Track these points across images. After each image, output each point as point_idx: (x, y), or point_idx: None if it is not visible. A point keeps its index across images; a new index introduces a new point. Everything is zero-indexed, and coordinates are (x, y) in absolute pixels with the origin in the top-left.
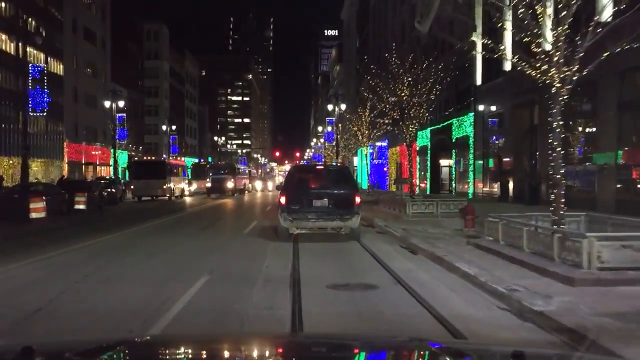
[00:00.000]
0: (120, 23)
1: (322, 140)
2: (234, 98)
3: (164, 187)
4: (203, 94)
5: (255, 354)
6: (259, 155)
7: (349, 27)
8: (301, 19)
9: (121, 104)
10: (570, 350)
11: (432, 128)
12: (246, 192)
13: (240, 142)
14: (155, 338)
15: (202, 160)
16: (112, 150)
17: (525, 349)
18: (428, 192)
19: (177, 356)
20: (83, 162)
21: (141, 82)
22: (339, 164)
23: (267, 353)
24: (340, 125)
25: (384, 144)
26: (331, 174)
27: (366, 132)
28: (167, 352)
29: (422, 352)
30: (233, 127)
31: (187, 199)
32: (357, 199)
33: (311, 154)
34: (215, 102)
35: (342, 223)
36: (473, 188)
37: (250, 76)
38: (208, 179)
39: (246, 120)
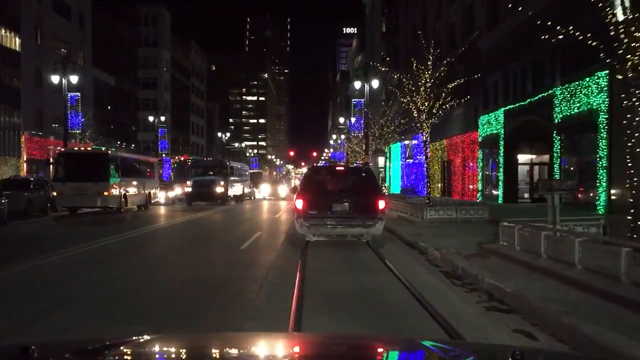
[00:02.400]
0: (109, 2)
1: (342, 136)
2: (249, 98)
3: (106, 193)
4: (215, 93)
5: (254, 353)
6: (273, 157)
7: (372, 10)
8: (319, 19)
9: (74, 79)
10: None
11: (508, 108)
12: (247, 199)
13: (255, 143)
14: (156, 338)
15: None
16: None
17: (525, 349)
18: (501, 201)
19: (178, 356)
20: (51, 160)
21: (135, 72)
22: (361, 164)
23: (266, 352)
24: (369, 112)
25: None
26: (352, 176)
27: (426, 104)
28: (168, 352)
29: (422, 352)
30: (248, 127)
31: (149, 212)
32: (381, 204)
33: (330, 153)
34: (228, 101)
35: (364, 230)
36: (605, 197)
37: (265, 75)
38: (188, 182)
39: (262, 120)
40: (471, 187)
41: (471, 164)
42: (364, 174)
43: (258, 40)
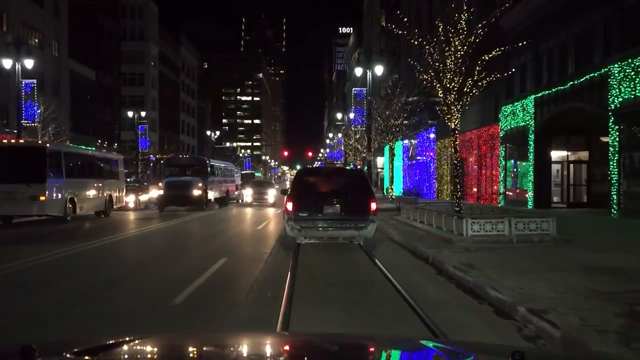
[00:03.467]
0: None
1: (339, 135)
2: (244, 98)
3: (42, 198)
4: (208, 92)
5: (251, 352)
6: (267, 158)
7: (371, 4)
8: (315, 19)
9: (29, 64)
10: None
11: (540, 95)
12: (233, 202)
13: (250, 144)
14: (156, 338)
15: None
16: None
17: (525, 349)
18: (531, 206)
19: (179, 356)
20: None
21: (118, 66)
22: (358, 165)
23: (265, 353)
24: (373, 101)
25: (431, 135)
26: (343, 177)
27: (455, 80)
28: (168, 351)
29: (422, 352)
30: (242, 128)
31: (106, 220)
32: (373, 205)
33: (326, 153)
34: (222, 101)
35: (356, 232)
36: None
37: (260, 75)
38: (160, 184)
39: (256, 121)
40: (490, 189)
41: (489, 162)
42: (355, 175)
43: (253, 41)
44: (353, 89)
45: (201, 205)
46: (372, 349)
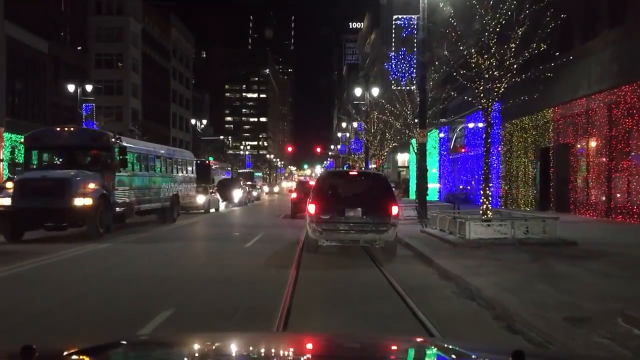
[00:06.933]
0: None
1: (355, 124)
2: (250, 95)
3: None
4: (212, 87)
5: (251, 352)
6: (272, 156)
7: None
8: (323, 15)
9: None
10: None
11: None
12: (193, 212)
13: (256, 143)
14: (156, 338)
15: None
16: None
17: (525, 349)
18: None
19: (179, 356)
20: None
21: (85, 42)
22: (375, 168)
23: (268, 353)
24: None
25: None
26: (365, 181)
27: None
28: (168, 351)
29: (422, 352)
30: (248, 126)
31: None
32: (395, 209)
33: (338, 147)
34: (225, 97)
35: (377, 236)
36: None
37: (267, 71)
38: (9, 184)
39: (263, 119)
40: None
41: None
42: (377, 179)
43: (261, 39)
44: (395, 16)
45: (92, 228)
46: (373, 350)
